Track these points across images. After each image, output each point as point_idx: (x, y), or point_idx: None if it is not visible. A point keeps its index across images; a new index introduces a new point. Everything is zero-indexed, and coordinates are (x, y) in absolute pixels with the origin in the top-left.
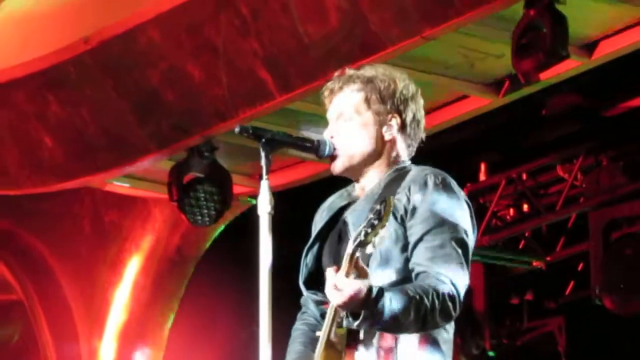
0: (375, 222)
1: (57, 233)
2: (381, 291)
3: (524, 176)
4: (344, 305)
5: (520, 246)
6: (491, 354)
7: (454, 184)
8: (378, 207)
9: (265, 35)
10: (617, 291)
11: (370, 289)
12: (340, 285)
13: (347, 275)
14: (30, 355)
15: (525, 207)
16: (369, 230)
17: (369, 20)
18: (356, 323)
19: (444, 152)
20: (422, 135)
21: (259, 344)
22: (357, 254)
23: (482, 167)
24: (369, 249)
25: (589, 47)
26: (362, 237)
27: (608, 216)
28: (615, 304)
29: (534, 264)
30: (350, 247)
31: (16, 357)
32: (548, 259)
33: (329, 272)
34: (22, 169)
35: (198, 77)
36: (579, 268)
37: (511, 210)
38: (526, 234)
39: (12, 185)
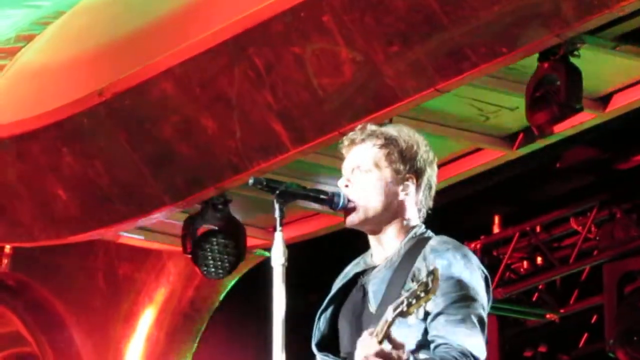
0: (422, 294)
1: (71, 286)
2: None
3: (538, 229)
4: None
5: (534, 299)
6: None
7: (474, 259)
8: (425, 279)
9: (279, 88)
10: (631, 344)
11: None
12: (376, 353)
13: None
14: None
15: (539, 259)
16: (413, 301)
17: (384, 73)
18: None
19: (458, 205)
20: (431, 203)
21: None
22: (395, 323)
23: (496, 219)
24: (410, 320)
25: (603, 100)
26: (404, 307)
27: (622, 269)
28: (629, 357)
29: (548, 316)
30: (390, 314)
31: None
32: (562, 311)
33: (364, 337)
34: (37, 221)
35: (212, 130)
36: (593, 321)
37: (525, 263)
38: (540, 287)
39: (26, 238)
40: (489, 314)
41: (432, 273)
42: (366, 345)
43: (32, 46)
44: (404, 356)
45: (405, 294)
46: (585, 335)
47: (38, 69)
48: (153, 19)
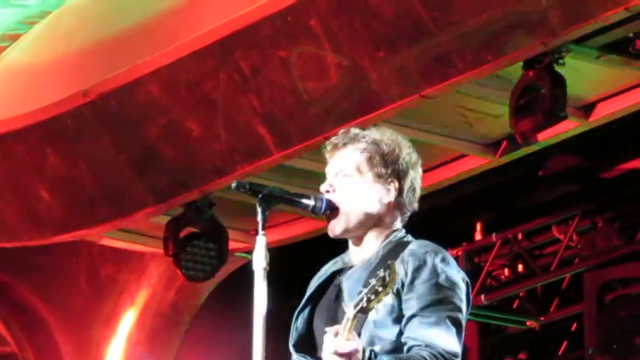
0: (380, 288)
1: (53, 286)
2: (375, 355)
3: (520, 236)
4: None
5: (515, 306)
6: None
7: (452, 262)
8: (382, 273)
9: (264, 92)
10: (611, 353)
11: (363, 352)
12: (340, 349)
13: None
14: None
15: (521, 267)
16: (372, 296)
17: (369, 78)
18: None
19: (440, 211)
20: (416, 205)
21: None
22: (357, 319)
23: (478, 226)
24: (371, 315)
25: (587, 109)
26: (364, 303)
27: (603, 278)
28: None
29: (528, 324)
30: (351, 311)
31: None
32: (542, 319)
33: (328, 335)
34: (20, 221)
35: (196, 132)
36: (573, 329)
37: (506, 270)
38: (521, 294)
39: (9, 237)
40: (470, 320)
41: (389, 267)
42: (328, 344)
43: (18, 45)
44: (366, 354)
45: (364, 290)
46: (565, 343)
47: (23, 68)
48: (140, 20)
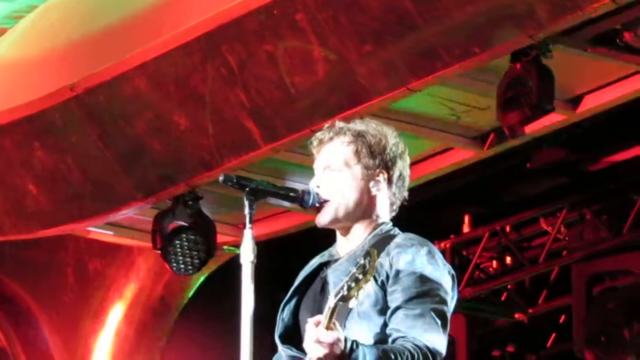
0: (360, 276)
1: (41, 281)
2: (356, 344)
3: (508, 229)
4: (324, 359)
5: (503, 298)
6: None
7: (439, 255)
8: (362, 261)
9: (251, 86)
10: (599, 345)
11: (345, 341)
12: (322, 338)
13: (327, 330)
14: None
15: (509, 259)
16: (353, 284)
17: (356, 72)
18: None
19: (428, 204)
20: (406, 194)
21: None
22: (338, 308)
23: (466, 219)
24: (351, 303)
25: (574, 102)
26: (345, 292)
27: (591, 270)
28: (596, 358)
29: (516, 316)
30: (332, 300)
31: None
32: (530, 311)
33: (310, 325)
34: (7, 215)
35: (184, 126)
36: (561, 321)
37: (494, 263)
38: (509, 287)
39: None
40: (458, 313)
41: (368, 254)
42: (309, 333)
43: (4, 40)
44: (348, 344)
45: (345, 279)
46: (553, 335)
47: (10, 62)
48: (126, 14)
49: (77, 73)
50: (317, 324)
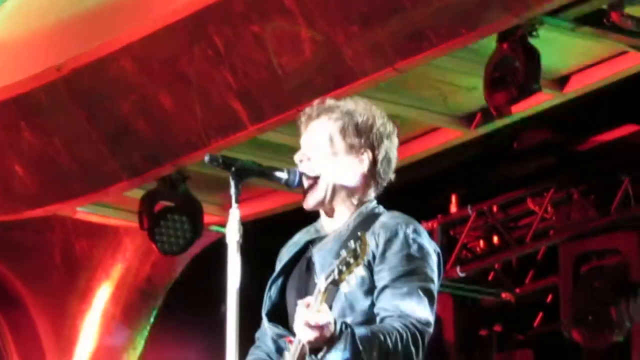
0: (351, 260)
1: (27, 261)
2: (345, 326)
3: (495, 209)
4: (314, 341)
5: (490, 278)
6: None
7: (424, 233)
8: (353, 245)
9: (238, 67)
10: (586, 324)
11: (335, 324)
12: (312, 322)
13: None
14: None
15: (496, 239)
16: (344, 268)
17: (343, 52)
18: (319, 356)
19: (415, 184)
20: (392, 175)
21: None
22: (328, 291)
23: (453, 199)
24: (343, 287)
25: (561, 81)
26: (336, 275)
27: (578, 249)
28: (583, 337)
29: (503, 296)
30: (322, 283)
31: None
32: (517, 291)
33: (300, 307)
34: None
35: (170, 107)
36: (548, 301)
37: (481, 243)
38: (496, 266)
39: None
40: (445, 293)
41: (359, 239)
42: (299, 316)
43: None
44: (338, 326)
45: (335, 262)
46: (540, 314)
47: None
48: None
49: (64, 54)
50: (307, 306)
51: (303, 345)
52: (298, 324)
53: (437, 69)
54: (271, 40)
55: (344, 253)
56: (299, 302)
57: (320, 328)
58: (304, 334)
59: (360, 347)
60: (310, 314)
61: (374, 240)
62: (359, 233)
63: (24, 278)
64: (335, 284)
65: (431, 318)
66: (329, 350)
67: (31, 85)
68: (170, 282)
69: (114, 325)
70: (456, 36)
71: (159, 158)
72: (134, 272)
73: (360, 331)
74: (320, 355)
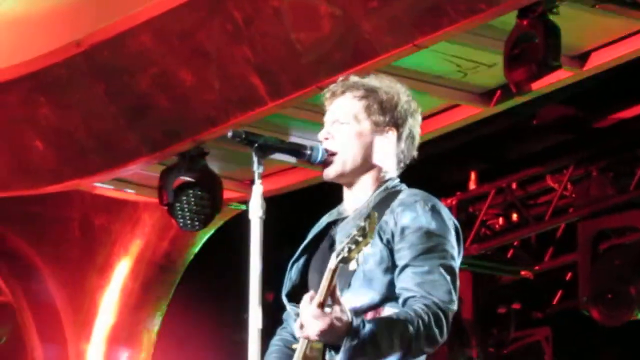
0: (360, 238)
1: (47, 236)
2: (363, 324)
3: (514, 186)
4: (318, 338)
5: (509, 255)
6: None
7: (444, 210)
8: (362, 223)
9: (257, 42)
10: (605, 302)
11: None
12: (314, 316)
13: (323, 305)
14: (17, 358)
15: (515, 216)
16: (353, 246)
17: (362, 28)
18: (338, 357)
19: (434, 161)
20: (415, 152)
21: (248, 348)
22: (339, 270)
23: (472, 176)
24: (352, 265)
25: (581, 58)
26: (345, 253)
27: (597, 227)
28: (602, 315)
29: (522, 273)
30: (332, 262)
31: (3, 359)
32: (536, 268)
33: (304, 302)
34: (13, 171)
35: (189, 82)
36: (567, 278)
37: (500, 220)
38: (515, 244)
39: (2, 188)
40: (464, 269)
41: (369, 217)
42: (303, 311)
43: None
44: (345, 317)
45: (345, 240)
46: (559, 292)
47: (16, 18)
48: None
49: (84, 29)
50: (311, 299)
51: (308, 342)
52: (299, 320)
53: (457, 45)
54: (290, 15)
55: (354, 231)
56: (304, 297)
57: (325, 324)
58: (305, 330)
59: (379, 341)
60: (312, 311)
61: (392, 218)
62: (369, 212)
63: (43, 253)
64: (345, 261)
65: (454, 296)
66: (347, 347)
67: (51, 60)
68: (189, 258)
69: (132, 301)
70: (476, 12)
71: (179, 133)
72: (153, 248)
73: (379, 325)
74: (340, 354)
